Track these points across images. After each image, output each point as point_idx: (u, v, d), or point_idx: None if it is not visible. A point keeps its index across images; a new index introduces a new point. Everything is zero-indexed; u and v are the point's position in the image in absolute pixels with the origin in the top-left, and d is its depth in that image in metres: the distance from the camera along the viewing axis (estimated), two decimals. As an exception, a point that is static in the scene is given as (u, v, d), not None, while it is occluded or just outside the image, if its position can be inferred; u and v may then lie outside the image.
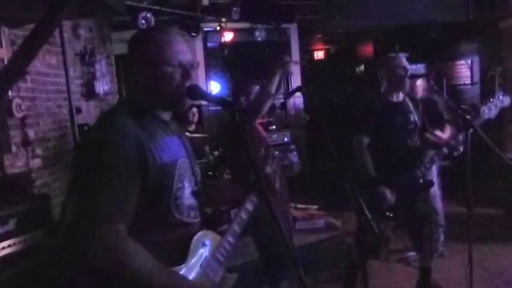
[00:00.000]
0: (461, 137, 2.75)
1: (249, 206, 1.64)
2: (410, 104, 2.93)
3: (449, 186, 3.87)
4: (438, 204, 3.02)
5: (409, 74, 2.87)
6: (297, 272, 1.26)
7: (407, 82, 2.91)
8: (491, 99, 2.84)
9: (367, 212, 2.58)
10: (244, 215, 1.63)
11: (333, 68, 7.26)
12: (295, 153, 2.51)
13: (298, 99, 6.27)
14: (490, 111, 2.78)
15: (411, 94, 3.20)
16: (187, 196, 1.39)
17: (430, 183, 2.90)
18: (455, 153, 2.79)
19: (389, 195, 2.74)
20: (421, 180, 2.82)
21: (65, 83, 3.23)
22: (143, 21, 4.55)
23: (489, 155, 4.52)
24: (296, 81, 6.03)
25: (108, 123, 1.29)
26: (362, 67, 6.97)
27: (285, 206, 2.75)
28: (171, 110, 1.43)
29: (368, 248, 2.81)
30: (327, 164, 5.69)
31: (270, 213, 1.27)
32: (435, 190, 3.02)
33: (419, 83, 3.80)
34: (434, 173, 3.33)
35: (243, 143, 1.35)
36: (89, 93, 4.28)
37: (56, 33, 3.14)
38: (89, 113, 4.25)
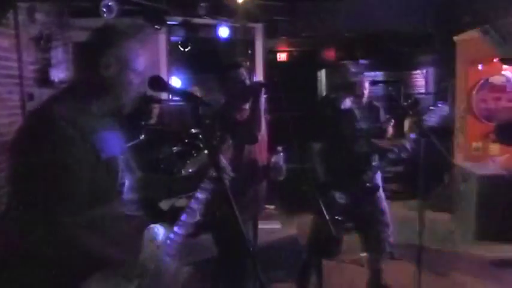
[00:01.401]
0: (407, 144, 2.87)
1: (200, 195, 1.61)
2: (357, 112, 3.05)
3: (400, 192, 4.02)
4: (383, 205, 3.14)
5: (356, 81, 2.98)
6: (254, 271, 1.25)
7: (357, 89, 3.02)
8: (432, 108, 3.00)
9: (326, 214, 2.64)
10: (194, 205, 1.61)
11: (294, 71, 7.34)
12: (281, 154, 2.51)
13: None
14: (430, 118, 2.92)
15: (369, 101, 3.33)
16: (127, 191, 1.44)
17: (377, 187, 3.04)
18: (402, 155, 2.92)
19: (340, 199, 2.83)
20: (368, 184, 2.94)
21: (17, 68, 3.06)
22: (105, 10, 4.39)
23: (438, 162, 4.72)
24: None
25: (52, 113, 1.27)
26: (323, 71, 7.09)
27: (254, 205, 2.70)
28: (117, 109, 1.42)
29: (321, 249, 2.88)
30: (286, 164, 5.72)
31: (229, 208, 1.26)
32: (380, 192, 3.15)
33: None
34: (379, 177, 3.46)
35: (205, 134, 1.36)
36: (43, 80, 4.08)
37: (10, 14, 2.96)
38: (42, 100, 4.04)
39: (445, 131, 3.42)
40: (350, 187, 2.86)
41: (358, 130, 2.98)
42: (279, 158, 2.50)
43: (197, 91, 5.22)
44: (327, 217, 2.58)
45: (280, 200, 5.26)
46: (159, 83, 1.44)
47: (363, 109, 3.16)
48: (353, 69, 3.04)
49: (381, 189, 3.16)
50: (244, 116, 2.52)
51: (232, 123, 2.47)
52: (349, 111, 3.03)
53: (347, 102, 3.04)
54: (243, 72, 2.60)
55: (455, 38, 5.20)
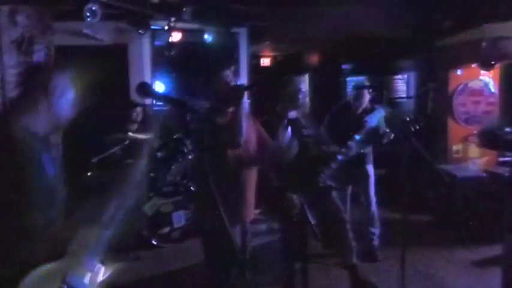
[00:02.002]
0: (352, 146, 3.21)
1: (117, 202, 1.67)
2: (303, 120, 3.13)
3: (385, 194, 4.08)
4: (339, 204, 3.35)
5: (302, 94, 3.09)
6: (243, 277, 1.26)
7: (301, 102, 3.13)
8: (374, 110, 3.48)
9: (309, 218, 2.69)
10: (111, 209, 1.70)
11: (277, 74, 7.38)
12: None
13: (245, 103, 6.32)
14: (371, 119, 3.32)
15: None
16: None
17: (330, 188, 3.16)
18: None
19: (297, 201, 2.87)
20: (322, 185, 3.07)
21: (-2, 72, 3.00)
22: (89, 14, 4.34)
23: (420, 166, 4.80)
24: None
25: None
26: (306, 76, 7.15)
27: (243, 210, 2.71)
28: None
29: (290, 252, 2.95)
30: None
31: (217, 214, 1.27)
32: (334, 193, 3.31)
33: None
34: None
35: (192, 140, 1.36)
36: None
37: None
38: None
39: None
40: (303, 189, 2.94)
41: (303, 136, 3.04)
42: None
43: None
44: (312, 221, 2.65)
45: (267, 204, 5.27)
46: (145, 89, 1.44)
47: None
48: (299, 83, 3.12)
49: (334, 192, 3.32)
50: (226, 120, 2.52)
51: (214, 127, 2.46)
52: (296, 120, 3.10)
53: (294, 113, 3.11)
54: (229, 74, 2.62)
55: (436, 43, 5.32)
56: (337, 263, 3.67)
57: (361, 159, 3.83)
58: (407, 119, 2.93)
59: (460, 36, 4.95)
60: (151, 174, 4.35)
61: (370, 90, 3.86)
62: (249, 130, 2.63)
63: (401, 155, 2.76)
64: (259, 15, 5.50)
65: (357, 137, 3.30)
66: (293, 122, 3.08)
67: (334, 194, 3.31)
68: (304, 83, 3.18)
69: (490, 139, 3.15)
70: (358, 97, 3.85)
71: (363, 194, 3.99)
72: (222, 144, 2.47)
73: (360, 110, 3.85)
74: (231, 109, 2.52)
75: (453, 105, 5.28)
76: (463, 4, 4.67)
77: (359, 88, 3.91)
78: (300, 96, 3.07)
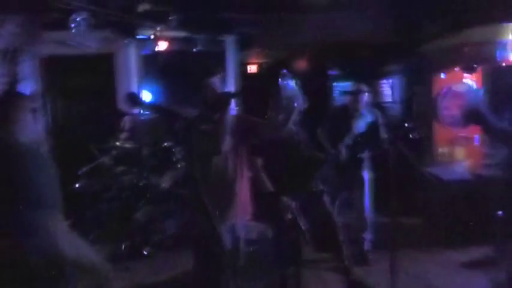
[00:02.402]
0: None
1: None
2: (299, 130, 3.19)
3: (374, 198, 4.11)
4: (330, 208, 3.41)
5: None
6: (234, 281, 1.26)
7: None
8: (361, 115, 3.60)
9: (300, 223, 2.71)
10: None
11: (265, 82, 7.39)
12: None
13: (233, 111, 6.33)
14: (359, 124, 3.48)
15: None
16: None
17: (322, 192, 3.26)
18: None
19: (289, 204, 2.90)
20: (314, 189, 3.16)
21: (-17, 82, 2.97)
22: (74, 24, 4.33)
23: (408, 169, 4.85)
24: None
25: None
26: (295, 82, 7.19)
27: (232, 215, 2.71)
28: None
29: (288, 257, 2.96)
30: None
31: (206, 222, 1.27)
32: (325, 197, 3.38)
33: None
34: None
35: (183, 149, 1.37)
36: (10, 95, 3.96)
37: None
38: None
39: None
40: (295, 193, 2.98)
41: (296, 141, 3.11)
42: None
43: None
44: (302, 227, 2.68)
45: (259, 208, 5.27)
46: (133, 99, 1.46)
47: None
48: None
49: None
50: (213, 127, 2.56)
51: (201, 135, 2.48)
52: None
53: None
54: (216, 81, 2.66)
55: (420, 47, 5.41)
56: (330, 267, 3.69)
57: (356, 165, 3.86)
58: (406, 125, 3.02)
59: (443, 41, 5.05)
60: (142, 183, 4.33)
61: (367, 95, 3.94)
62: (238, 134, 2.65)
63: (388, 159, 2.81)
64: (247, 22, 5.53)
65: (348, 141, 3.35)
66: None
67: (325, 198, 3.34)
68: (294, 89, 3.18)
69: (474, 116, 3.24)
70: (356, 101, 3.91)
71: (356, 199, 4.01)
72: (206, 152, 2.51)
73: (357, 114, 3.90)
74: (217, 116, 2.55)
75: (438, 108, 5.36)
76: (445, 10, 4.76)
77: (357, 93, 3.97)
78: (290, 102, 3.09)
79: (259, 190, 2.89)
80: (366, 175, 3.99)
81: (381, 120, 3.97)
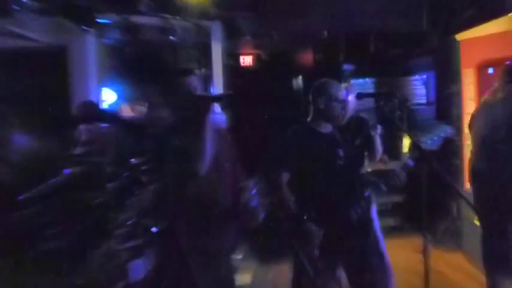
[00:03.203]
0: (397, 173, 3.19)
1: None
2: (339, 137, 3.30)
3: (400, 227, 4.16)
4: (381, 246, 3.31)
5: (345, 107, 3.33)
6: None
7: (342, 116, 3.33)
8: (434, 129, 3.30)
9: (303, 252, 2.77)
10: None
11: (263, 78, 7.46)
12: (254, 191, 2.61)
13: (219, 116, 6.37)
14: (433, 142, 3.20)
15: (355, 115, 3.56)
16: None
17: (367, 233, 3.24)
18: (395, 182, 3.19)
19: (318, 232, 2.99)
20: (355, 218, 3.12)
21: None
22: (16, 5, 4.39)
23: (445, 191, 4.90)
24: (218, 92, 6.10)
25: None
26: (299, 80, 7.26)
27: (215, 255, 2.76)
28: None
29: None
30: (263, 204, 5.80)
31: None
32: (376, 230, 3.30)
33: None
34: (374, 211, 3.65)
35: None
36: None
37: None
38: None
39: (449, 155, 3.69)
40: (330, 221, 3.05)
41: (338, 157, 3.20)
42: (251, 196, 2.59)
43: (137, 108, 5.25)
44: (304, 256, 2.74)
45: (250, 246, 5.30)
46: (90, 110, 1.46)
47: (346, 128, 3.42)
48: (342, 95, 3.26)
49: (377, 226, 3.33)
50: (188, 141, 2.56)
51: (174, 150, 2.53)
52: (328, 136, 3.28)
53: (329, 127, 3.29)
54: (193, 81, 2.66)
55: (457, 36, 5.47)
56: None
57: None
58: (442, 134, 3.09)
59: (485, 28, 5.11)
60: (102, 212, 4.36)
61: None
62: (224, 154, 2.70)
63: (420, 180, 2.86)
64: (236, 5, 5.60)
65: (411, 162, 3.28)
66: (325, 139, 3.26)
67: (377, 233, 3.38)
68: (341, 90, 3.34)
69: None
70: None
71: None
72: (182, 173, 2.54)
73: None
74: (195, 127, 2.54)
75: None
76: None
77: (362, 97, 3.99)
78: (339, 106, 3.23)
79: (278, 212, 2.97)
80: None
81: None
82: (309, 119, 3.35)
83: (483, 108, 4.11)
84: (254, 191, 2.62)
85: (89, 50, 5.74)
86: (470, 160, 4.16)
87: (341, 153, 3.22)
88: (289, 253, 3.28)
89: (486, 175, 3.85)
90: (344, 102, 3.30)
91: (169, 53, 5.92)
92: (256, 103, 6.93)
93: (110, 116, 1.80)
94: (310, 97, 3.33)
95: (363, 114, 3.95)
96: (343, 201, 3.14)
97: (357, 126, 3.76)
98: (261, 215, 2.63)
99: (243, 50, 7.66)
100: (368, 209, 3.33)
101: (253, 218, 2.62)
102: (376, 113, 4.12)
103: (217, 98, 2.73)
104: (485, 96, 4.17)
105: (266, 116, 6.91)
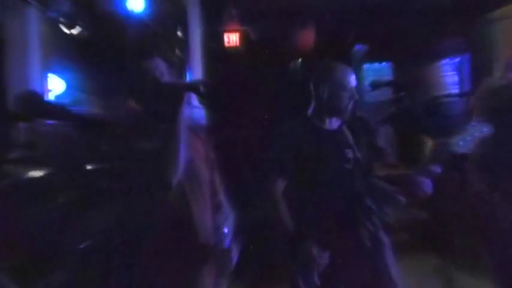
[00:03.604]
0: (420, 179, 3.17)
1: None
2: (348, 134, 3.29)
3: (421, 247, 4.23)
4: (396, 270, 3.37)
5: (355, 95, 3.23)
6: None
7: (350, 105, 3.26)
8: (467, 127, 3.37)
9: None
10: None
11: (252, 62, 7.50)
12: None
13: (197, 111, 6.42)
14: (466, 143, 3.27)
15: (357, 118, 3.58)
16: None
17: (379, 256, 3.22)
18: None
19: (319, 258, 3.01)
20: (369, 243, 3.14)
21: None
22: None
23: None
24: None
25: None
26: (299, 63, 7.31)
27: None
28: None
29: None
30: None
31: None
32: (390, 254, 3.36)
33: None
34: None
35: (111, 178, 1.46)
36: None
37: None
38: None
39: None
40: (335, 241, 3.07)
41: (346, 160, 3.20)
42: (223, 236, 2.63)
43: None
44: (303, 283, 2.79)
45: (236, 271, 5.37)
46: (32, 103, 1.45)
47: (364, 129, 3.41)
48: (351, 77, 3.24)
49: (390, 248, 3.38)
50: (155, 144, 2.60)
51: (137, 155, 2.57)
52: (335, 134, 3.27)
53: (334, 121, 3.27)
54: (159, 65, 2.71)
55: (492, 14, 5.56)
56: None
57: None
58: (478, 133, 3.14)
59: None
60: (49, 234, 4.41)
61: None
62: (200, 160, 2.76)
63: (443, 190, 2.94)
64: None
65: (437, 168, 3.29)
66: (331, 137, 3.24)
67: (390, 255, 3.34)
68: (351, 75, 3.27)
69: None
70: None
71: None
72: (147, 183, 2.55)
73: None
74: (164, 125, 2.56)
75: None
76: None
77: (377, 86, 4.07)
78: (346, 96, 3.20)
79: (273, 229, 2.99)
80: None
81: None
82: (309, 113, 3.33)
83: None
84: (226, 229, 2.65)
85: (31, 26, 5.76)
86: None
87: (349, 154, 3.21)
88: (284, 280, 3.29)
89: None
90: (353, 91, 3.23)
91: (132, 30, 5.95)
92: (244, 93, 6.98)
93: (58, 110, 1.80)
94: (311, 84, 3.31)
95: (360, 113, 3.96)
96: (351, 216, 3.16)
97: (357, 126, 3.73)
98: (234, 259, 2.65)
99: (228, 27, 7.72)
100: (380, 226, 3.32)
101: (223, 264, 2.66)
102: (394, 106, 4.14)
103: (192, 87, 2.68)
104: None
105: (255, 110, 6.93)
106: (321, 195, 3.15)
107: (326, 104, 3.23)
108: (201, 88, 2.62)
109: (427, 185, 3.16)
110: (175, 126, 2.52)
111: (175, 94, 2.52)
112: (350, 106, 3.24)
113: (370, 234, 3.15)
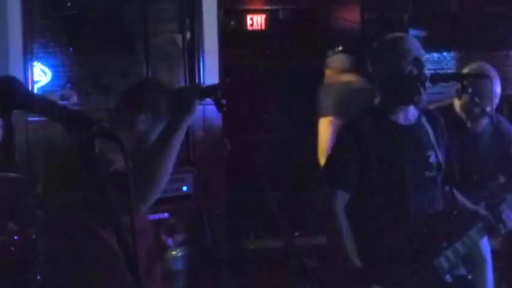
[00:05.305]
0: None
1: None
2: (430, 131, 3.12)
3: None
4: None
5: (427, 74, 3.04)
6: None
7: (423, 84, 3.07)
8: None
9: None
10: None
11: (281, 49, 7.48)
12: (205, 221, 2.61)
13: (210, 107, 6.37)
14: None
15: (431, 110, 3.41)
16: None
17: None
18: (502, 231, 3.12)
19: None
20: (448, 277, 2.99)
21: None
22: None
23: None
24: (210, 75, 6.13)
25: None
26: (340, 50, 7.27)
27: None
28: None
29: None
30: (266, 236, 5.81)
31: None
32: None
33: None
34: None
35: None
36: None
37: None
38: None
39: None
40: (409, 280, 2.90)
41: (429, 165, 3.04)
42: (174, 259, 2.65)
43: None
44: None
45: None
46: (10, 92, 1.44)
47: (442, 126, 3.24)
48: (421, 52, 3.04)
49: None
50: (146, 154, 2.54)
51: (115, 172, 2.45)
52: (411, 130, 3.09)
53: (410, 113, 3.08)
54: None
55: None
56: None
57: None
58: None
59: None
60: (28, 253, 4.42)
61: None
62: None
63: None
64: None
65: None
66: (406, 135, 3.06)
67: None
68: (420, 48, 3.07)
69: None
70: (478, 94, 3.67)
71: None
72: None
73: (479, 127, 3.96)
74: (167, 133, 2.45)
75: None
76: None
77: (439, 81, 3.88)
78: (418, 73, 2.96)
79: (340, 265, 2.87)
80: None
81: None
82: (376, 102, 3.13)
83: None
84: (179, 252, 2.62)
85: (12, 6, 5.77)
86: None
87: (433, 158, 3.05)
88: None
89: None
90: (423, 64, 2.97)
91: (131, 9, 5.96)
92: (272, 87, 6.95)
93: (41, 104, 1.77)
94: (369, 65, 3.13)
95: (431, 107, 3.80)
96: (432, 245, 2.98)
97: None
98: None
99: (251, 6, 7.71)
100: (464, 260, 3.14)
101: None
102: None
103: (209, 92, 2.52)
104: None
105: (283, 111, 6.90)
106: (394, 214, 2.98)
107: (393, 87, 3.02)
108: (219, 92, 2.51)
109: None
110: (174, 132, 2.40)
111: (191, 96, 2.41)
112: (423, 86, 2.97)
113: (451, 266, 2.97)
